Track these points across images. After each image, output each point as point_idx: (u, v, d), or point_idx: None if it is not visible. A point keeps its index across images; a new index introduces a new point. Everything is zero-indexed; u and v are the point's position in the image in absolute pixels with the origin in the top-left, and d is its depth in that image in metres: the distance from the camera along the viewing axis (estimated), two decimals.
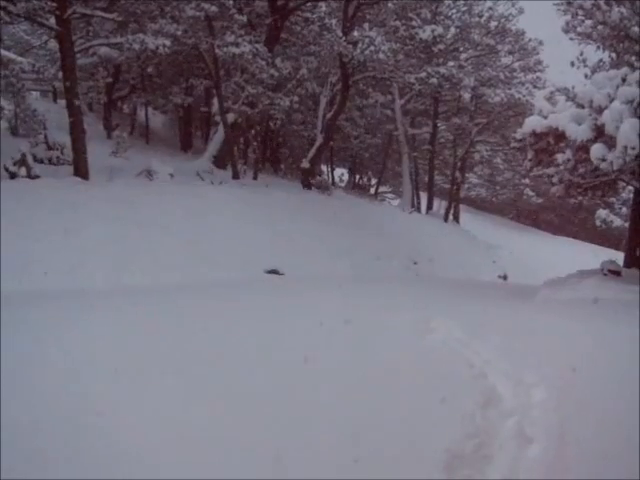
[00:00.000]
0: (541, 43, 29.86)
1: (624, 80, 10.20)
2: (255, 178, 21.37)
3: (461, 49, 29.13)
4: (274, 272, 13.98)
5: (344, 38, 19.07)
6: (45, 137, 17.32)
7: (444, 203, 33.32)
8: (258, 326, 6.82)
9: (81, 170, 15.02)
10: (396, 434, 4.47)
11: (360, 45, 18.80)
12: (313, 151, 22.82)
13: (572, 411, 4.74)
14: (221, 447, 4.21)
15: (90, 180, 14.98)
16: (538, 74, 30.26)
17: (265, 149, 28.02)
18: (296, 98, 22.53)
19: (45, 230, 11.56)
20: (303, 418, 4.65)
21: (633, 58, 11.87)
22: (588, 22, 13.17)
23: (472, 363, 5.72)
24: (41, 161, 16.11)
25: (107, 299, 8.90)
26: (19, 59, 26.73)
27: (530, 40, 29.93)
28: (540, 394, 5.02)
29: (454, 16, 28.97)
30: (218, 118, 21.18)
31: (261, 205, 16.84)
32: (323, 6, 22.90)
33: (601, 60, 13.10)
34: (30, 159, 14.44)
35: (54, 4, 14.09)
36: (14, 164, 14.01)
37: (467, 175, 37.42)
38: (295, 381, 5.22)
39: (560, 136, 11.14)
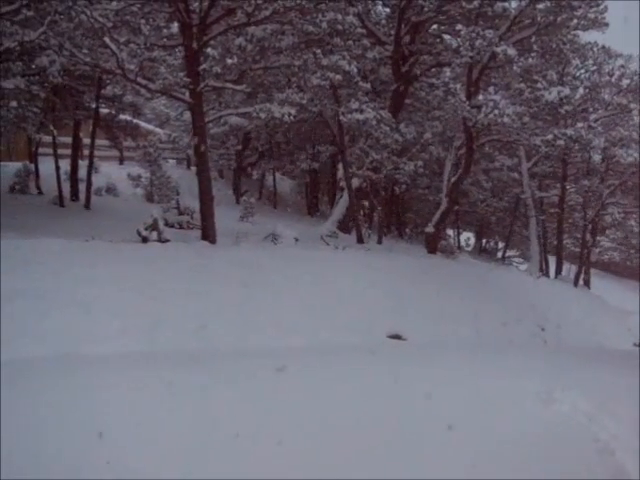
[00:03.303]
0: None
1: None
2: (379, 242, 21.43)
3: (590, 109, 28.38)
4: (396, 337, 13.83)
5: (468, 102, 19.03)
6: (177, 202, 18.12)
7: (574, 267, 32.23)
8: (384, 392, 6.74)
9: (209, 234, 15.55)
10: None
11: (484, 109, 18.68)
12: (438, 215, 22.70)
13: None
14: None
15: (217, 244, 15.46)
16: None
17: (390, 213, 28.10)
18: (420, 162, 22.62)
19: (172, 292, 11.96)
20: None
21: None
22: None
23: (598, 438, 5.43)
24: (172, 225, 16.84)
25: (232, 361, 9.05)
26: (157, 130, 28.34)
27: None
28: None
29: (582, 76, 28.37)
30: (343, 183, 21.51)
31: (385, 269, 16.80)
32: (447, 71, 23.12)
33: None
34: (161, 224, 15.10)
35: (188, 79, 14.88)
36: (146, 228, 14.68)
37: (598, 238, 36.12)
38: (429, 448, 5.13)
39: None
